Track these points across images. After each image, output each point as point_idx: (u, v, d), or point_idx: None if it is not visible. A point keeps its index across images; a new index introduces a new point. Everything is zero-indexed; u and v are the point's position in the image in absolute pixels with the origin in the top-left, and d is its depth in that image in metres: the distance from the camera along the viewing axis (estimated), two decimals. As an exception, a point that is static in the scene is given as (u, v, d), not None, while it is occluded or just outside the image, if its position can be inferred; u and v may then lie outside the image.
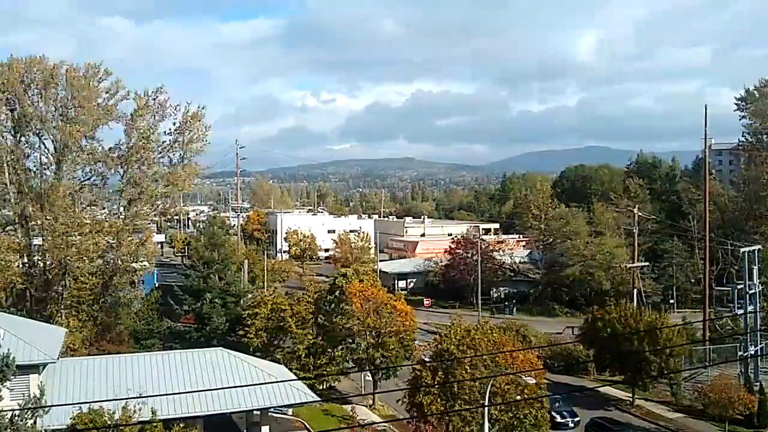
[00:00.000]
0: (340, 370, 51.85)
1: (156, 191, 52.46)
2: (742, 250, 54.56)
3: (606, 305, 55.28)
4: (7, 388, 26.51)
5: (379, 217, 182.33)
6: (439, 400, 38.25)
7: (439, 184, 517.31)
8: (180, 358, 38.96)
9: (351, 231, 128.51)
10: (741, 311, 52.90)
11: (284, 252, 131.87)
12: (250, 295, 59.62)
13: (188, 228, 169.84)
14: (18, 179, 49.52)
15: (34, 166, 51.43)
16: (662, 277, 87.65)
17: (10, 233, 51.02)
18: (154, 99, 51.99)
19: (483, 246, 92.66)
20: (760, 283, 54.45)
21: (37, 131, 50.87)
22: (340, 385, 55.05)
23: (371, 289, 49.71)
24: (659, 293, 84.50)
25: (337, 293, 50.44)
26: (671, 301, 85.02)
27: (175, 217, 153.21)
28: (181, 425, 33.23)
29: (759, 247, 56.70)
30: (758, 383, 48.29)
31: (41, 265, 50.24)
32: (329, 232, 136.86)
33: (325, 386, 51.27)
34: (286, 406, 40.95)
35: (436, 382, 38.48)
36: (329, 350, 50.77)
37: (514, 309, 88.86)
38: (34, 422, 26.92)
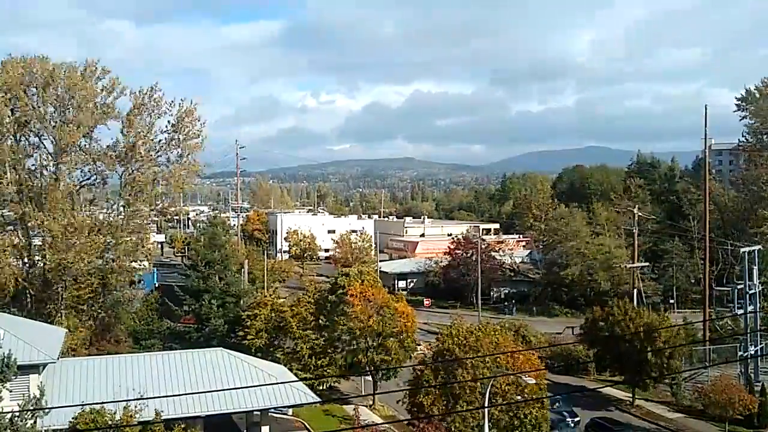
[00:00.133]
0: (340, 371, 51.82)
1: (155, 191, 52.41)
2: (742, 250, 54.54)
3: (606, 305, 55.24)
4: (7, 388, 26.48)
5: (379, 217, 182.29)
6: (439, 400, 38.25)
7: (439, 184, 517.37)
8: (180, 359, 38.94)
9: (351, 231, 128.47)
10: (741, 311, 52.89)
11: (284, 252, 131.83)
12: (250, 296, 59.60)
13: (188, 228, 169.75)
14: (18, 179, 49.49)
15: (34, 166, 51.42)
16: (662, 278, 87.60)
17: (10, 233, 50.98)
18: (150, 97, 51.94)
19: (483, 246, 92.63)
20: (760, 283, 54.41)
21: (37, 131, 50.84)
22: (341, 385, 55.03)
23: (372, 289, 49.62)
24: (659, 293, 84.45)
25: (338, 293, 50.38)
26: (671, 301, 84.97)
27: (175, 217, 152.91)
28: (182, 425, 33.27)
29: (759, 247, 56.68)
30: (758, 383, 48.27)
31: (41, 265, 50.22)
32: (329, 232, 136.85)
33: (325, 387, 51.24)
34: (286, 406, 40.92)
35: (436, 383, 38.48)
36: (330, 351, 50.73)
37: (514, 309, 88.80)
38: (34, 422, 26.91)
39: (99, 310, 53.28)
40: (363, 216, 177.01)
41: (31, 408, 26.13)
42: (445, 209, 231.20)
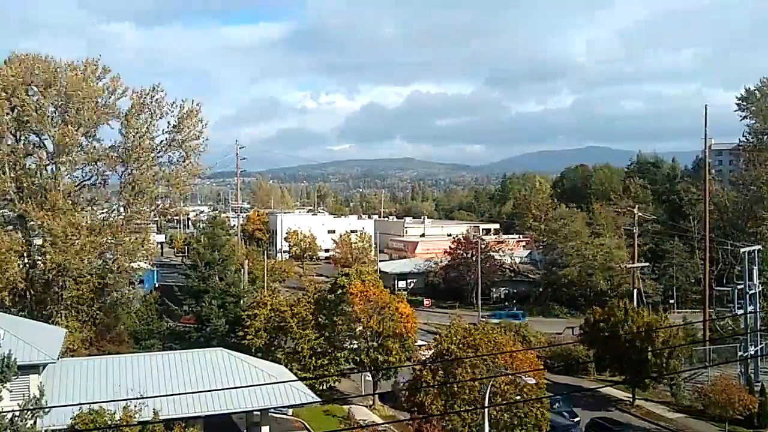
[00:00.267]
0: (340, 370, 51.84)
1: (155, 191, 52.32)
2: (742, 250, 54.54)
3: (606, 306, 55.27)
4: (7, 388, 26.48)
5: (379, 217, 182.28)
6: (439, 399, 38.27)
7: (439, 185, 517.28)
8: (180, 359, 38.93)
9: (351, 231, 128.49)
10: (741, 311, 52.89)
11: (284, 252, 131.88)
12: (250, 296, 59.58)
13: (188, 228, 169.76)
14: (18, 179, 49.46)
15: (35, 165, 51.35)
16: (662, 278, 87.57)
17: (10, 233, 50.94)
18: (152, 97, 51.89)
19: (483, 246, 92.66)
20: (760, 283, 54.42)
21: (37, 131, 50.81)
22: (341, 385, 55.03)
23: (373, 289, 49.62)
24: (659, 293, 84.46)
25: (338, 293, 50.38)
26: (671, 301, 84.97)
27: (175, 218, 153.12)
28: (182, 425, 33.27)
29: (759, 247, 56.69)
30: (758, 383, 48.27)
31: (41, 265, 50.18)
32: (329, 232, 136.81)
33: (325, 387, 51.23)
34: (286, 406, 40.92)
35: (436, 382, 38.50)
36: (330, 351, 50.74)
37: (514, 309, 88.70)
38: (34, 423, 26.91)
39: (99, 311, 53.21)
40: (363, 216, 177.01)
41: (31, 408, 26.13)
42: (445, 209, 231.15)
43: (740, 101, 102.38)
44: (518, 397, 37.24)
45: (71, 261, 46.99)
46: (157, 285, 78.79)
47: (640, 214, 76.12)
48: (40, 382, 29.81)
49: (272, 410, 40.25)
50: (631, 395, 52.27)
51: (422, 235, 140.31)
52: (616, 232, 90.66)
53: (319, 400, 40.22)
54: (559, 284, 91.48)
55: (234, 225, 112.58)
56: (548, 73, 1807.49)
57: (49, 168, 50.68)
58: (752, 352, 51.26)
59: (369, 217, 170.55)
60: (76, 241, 47.14)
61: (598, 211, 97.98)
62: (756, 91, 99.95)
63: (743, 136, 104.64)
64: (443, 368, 39.39)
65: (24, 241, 49.95)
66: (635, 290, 70.38)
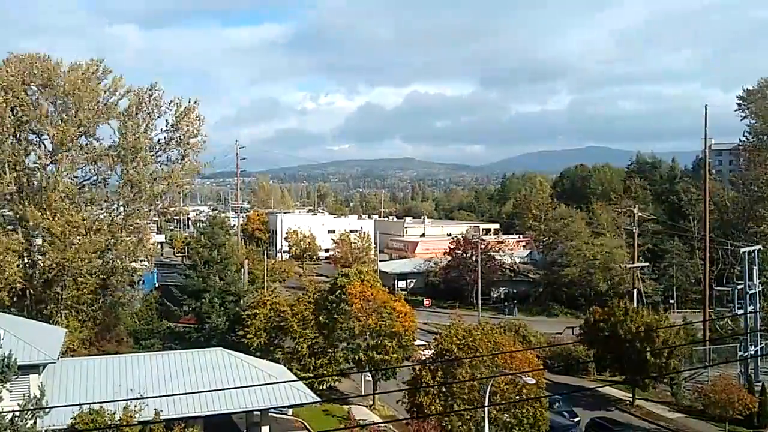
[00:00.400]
0: (340, 370, 51.86)
1: (154, 189, 52.25)
2: (742, 250, 54.53)
3: (606, 305, 55.26)
4: (7, 388, 26.48)
5: (379, 217, 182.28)
6: (438, 400, 38.24)
7: (439, 184, 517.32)
8: (180, 358, 38.94)
9: (351, 231, 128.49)
10: (741, 311, 52.88)
11: (284, 252, 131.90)
12: (250, 296, 59.59)
13: (188, 228, 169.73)
14: (18, 179, 49.43)
15: (34, 164, 51.32)
16: (662, 278, 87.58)
17: (10, 233, 50.91)
18: (150, 96, 51.85)
19: (483, 246, 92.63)
20: (760, 283, 54.42)
21: (36, 130, 50.79)
22: (341, 385, 55.04)
23: (371, 290, 49.68)
24: (659, 293, 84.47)
25: (337, 293, 50.41)
26: (671, 301, 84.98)
27: (175, 217, 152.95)
28: (182, 425, 33.26)
29: (759, 247, 56.69)
30: (758, 383, 48.26)
31: (41, 265, 50.16)
32: (329, 232, 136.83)
33: (325, 386, 51.26)
34: (286, 406, 40.92)
35: (435, 383, 38.48)
36: (330, 350, 50.76)
37: (515, 309, 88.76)
38: (35, 422, 26.92)
39: (99, 311, 53.22)
40: (363, 216, 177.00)
41: (31, 408, 26.13)
42: (445, 209, 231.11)
43: (740, 101, 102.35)
44: (518, 397, 37.23)
45: (70, 260, 46.98)
46: (157, 285, 78.72)
47: (640, 214, 76.09)
48: (40, 382, 29.80)
49: (272, 410, 40.24)
50: (631, 395, 52.26)
51: (422, 235, 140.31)
52: (616, 232, 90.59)
53: (319, 400, 40.22)
54: (559, 284, 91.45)
55: (234, 225, 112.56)
56: (548, 73, 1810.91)
57: (48, 168, 50.64)
58: (752, 352, 51.25)
59: (369, 217, 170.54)
60: (76, 241, 47.13)
61: (598, 211, 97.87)
62: (756, 91, 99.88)
63: (743, 136, 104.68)
64: (443, 368, 39.36)
65: (23, 240, 49.91)
66: (635, 290, 70.39)
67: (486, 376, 36.17)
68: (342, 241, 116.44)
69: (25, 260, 50.65)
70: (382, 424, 44.57)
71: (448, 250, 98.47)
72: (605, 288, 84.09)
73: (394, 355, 49.19)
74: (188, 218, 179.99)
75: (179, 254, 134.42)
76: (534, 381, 37.08)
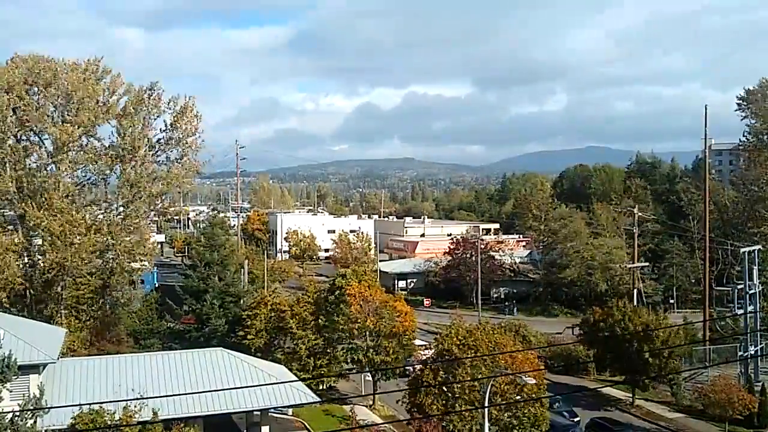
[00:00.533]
0: (340, 370, 51.85)
1: (154, 189, 52.25)
2: (742, 250, 54.51)
3: (606, 305, 55.25)
4: (7, 388, 26.48)
5: (379, 217, 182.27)
6: (438, 400, 38.24)
7: (439, 184, 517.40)
8: (180, 358, 38.94)
9: (351, 231, 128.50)
10: (741, 311, 52.86)
11: (284, 252, 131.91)
12: (250, 296, 59.56)
13: (188, 228, 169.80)
14: (18, 179, 49.44)
15: (35, 164, 51.34)
16: (662, 278, 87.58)
17: (10, 233, 50.93)
18: (149, 95, 51.83)
19: (483, 246, 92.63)
20: (760, 283, 54.38)
21: (37, 130, 50.81)
22: (341, 385, 55.04)
23: (370, 290, 49.65)
24: (659, 293, 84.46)
25: (336, 294, 50.41)
26: (671, 301, 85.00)
27: (175, 217, 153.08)
28: (182, 425, 33.26)
29: (759, 247, 56.65)
30: (758, 383, 48.24)
31: (41, 265, 50.17)
32: (329, 232, 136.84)
33: (325, 387, 51.26)
34: (286, 406, 40.92)
35: (436, 383, 38.47)
36: (329, 351, 50.76)
37: (515, 309, 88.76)
38: (34, 422, 26.91)
39: (99, 311, 53.23)
40: (363, 216, 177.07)
41: (31, 408, 26.13)
42: (445, 209, 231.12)
43: (740, 101, 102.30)
44: (518, 397, 37.22)
45: (70, 260, 46.98)
46: (157, 285, 78.75)
47: (640, 214, 76.09)
48: (40, 382, 29.79)
49: (272, 410, 40.24)
50: (631, 395, 52.25)
51: (422, 235, 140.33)
52: (616, 232, 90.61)
53: (319, 400, 40.22)
54: (559, 284, 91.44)
55: (234, 225, 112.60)
56: (547, 74, 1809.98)
57: (49, 167, 50.67)
58: (752, 352, 51.24)
59: (369, 217, 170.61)
60: (75, 241, 47.13)
61: (598, 212, 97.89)
62: (756, 92, 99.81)
63: (743, 136, 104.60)
64: (443, 368, 39.37)
65: (24, 240, 49.93)
66: (635, 290, 70.38)
67: (486, 376, 36.15)
68: (342, 241, 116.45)
69: (25, 260, 50.68)
70: (383, 425, 44.55)
71: (448, 250, 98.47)
72: (605, 288, 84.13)
73: (394, 356, 49.19)
74: (188, 218, 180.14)
75: (179, 254, 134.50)
76: (534, 381, 37.08)
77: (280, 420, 44.71)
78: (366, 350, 49.03)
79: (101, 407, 30.38)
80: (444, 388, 38.03)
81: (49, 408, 27.87)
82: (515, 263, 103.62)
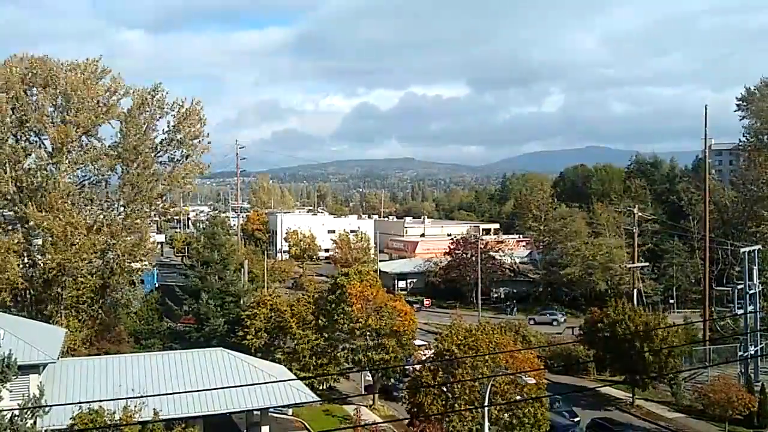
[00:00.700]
0: (340, 370, 51.84)
1: (155, 190, 52.21)
2: (742, 250, 54.53)
3: (606, 306, 55.25)
4: (7, 388, 26.46)
5: (379, 217, 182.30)
6: (439, 400, 38.24)
7: (439, 184, 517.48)
8: (180, 358, 38.95)
9: (351, 231, 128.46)
10: (741, 311, 52.87)
11: (284, 252, 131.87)
12: (250, 296, 59.55)
13: (188, 228, 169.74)
14: (18, 179, 49.42)
15: (35, 164, 51.30)
16: (662, 278, 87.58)
17: (10, 233, 50.90)
18: (153, 97, 51.81)
19: (483, 246, 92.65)
20: (760, 283, 54.39)
21: (37, 130, 50.78)
22: (341, 385, 55.05)
23: (371, 289, 49.68)
24: (659, 293, 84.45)
25: (338, 293, 50.41)
26: (671, 301, 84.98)
27: (175, 217, 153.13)
28: (182, 425, 33.25)
29: (759, 247, 56.67)
30: (758, 383, 48.25)
31: (41, 265, 50.14)
32: (329, 232, 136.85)
33: (325, 386, 51.26)
34: (286, 406, 40.93)
35: (436, 382, 38.47)
36: (330, 350, 50.76)
37: (515, 309, 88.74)
38: (34, 422, 26.89)
39: (99, 311, 53.19)
40: (363, 216, 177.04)
41: (31, 408, 26.11)
42: (445, 209, 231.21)
43: (740, 101, 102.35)
44: (518, 397, 37.22)
45: (71, 260, 46.96)
46: (157, 285, 78.76)
47: (639, 214, 76.10)
48: (40, 382, 29.77)
49: (272, 410, 40.24)
50: (631, 395, 52.26)
51: (422, 235, 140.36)
52: (616, 232, 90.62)
53: (319, 400, 40.23)
54: (559, 284, 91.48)
55: (234, 225, 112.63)
56: (547, 74, 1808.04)
57: (48, 168, 50.63)
58: (752, 352, 51.25)
59: (369, 217, 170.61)
60: (76, 241, 47.11)
61: (598, 211, 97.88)
62: (756, 92, 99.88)
63: (743, 136, 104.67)
64: (443, 368, 39.37)
65: (24, 241, 49.90)
66: (635, 290, 70.37)
67: (486, 375, 36.16)
68: (342, 241, 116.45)
69: (26, 260, 50.64)
70: (383, 424, 44.55)
71: (448, 250, 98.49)
72: (605, 288, 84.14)
73: (394, 355, 49.21)
74: (188, 218, 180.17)
75: (179, 254, 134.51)
76: (534, 381, 37.09)
77: (280, 420, 44.72)
78: (366, 350, 49.04)
79: (101, 407, 30.36)
80: (444, 387, 38.04)
81: (49, 408, 27.86)
82: (515, 263, 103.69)
